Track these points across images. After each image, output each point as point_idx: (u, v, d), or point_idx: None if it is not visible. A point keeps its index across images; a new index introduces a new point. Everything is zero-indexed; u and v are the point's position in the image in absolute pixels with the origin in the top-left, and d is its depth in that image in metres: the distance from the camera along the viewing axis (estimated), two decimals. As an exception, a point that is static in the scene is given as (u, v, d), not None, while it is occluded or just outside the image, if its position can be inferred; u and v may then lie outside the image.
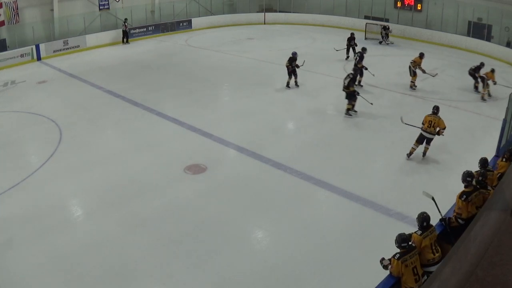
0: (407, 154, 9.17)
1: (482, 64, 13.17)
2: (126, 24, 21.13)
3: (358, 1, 23.65)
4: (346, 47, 17.27)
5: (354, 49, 17.04)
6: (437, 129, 8.88)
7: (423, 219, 4.97)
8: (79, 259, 6.34)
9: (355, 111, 11.56)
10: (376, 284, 4.57)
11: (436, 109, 9.09)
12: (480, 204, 5.59)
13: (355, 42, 17.09)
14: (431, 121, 8.87)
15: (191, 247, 6.57)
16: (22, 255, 6.41)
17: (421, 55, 13.50)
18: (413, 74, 13.54)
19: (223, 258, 6.31)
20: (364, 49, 14.06)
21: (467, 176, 5.66)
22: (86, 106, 12.73)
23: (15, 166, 9.15)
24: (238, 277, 5.99)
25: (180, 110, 12.14)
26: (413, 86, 13.60)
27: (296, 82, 13.71)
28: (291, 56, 13.34)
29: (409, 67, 13.60)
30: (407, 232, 4.88)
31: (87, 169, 8.95)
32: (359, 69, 13.24)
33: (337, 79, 14.89)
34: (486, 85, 12.73)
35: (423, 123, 9.02)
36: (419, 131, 9.10)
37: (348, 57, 17.25)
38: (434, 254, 4.89)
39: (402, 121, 9.58)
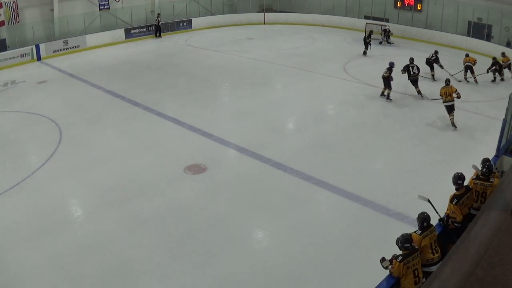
0: (452, 125, 10.82)
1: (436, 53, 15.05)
2: (159, 19, 22.35)
3: (358, 1, 23.65)
4: (364, 44, 18.31)
5: (368, 46, 18.19)
6: (454, 95, 10.72)
7: (423, 219, 4.95)
8: (79, 259, 6.34)
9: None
10: (376, 284, 4.56)
11: (448, 81, 11.17)
12: (472, 204, 5.61)
13: (370, 40, 18.34)
14: (446, 92, 10.82)
15: (191, 247, 6.57)
16: (22, 255, 6.41)
17: (504, 54, 14.53)
18: (503, 68, 14.32)
19: (223, 258, 6.30)
20: (436, 52, 15.26)
21: (458, 179, 5.65)
22: (86, 106, 12.73)
23: (15, 166, 9.15)
24: (238, 277, 5.99)
25: (180, 110, 12.13)
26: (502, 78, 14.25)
27: (389, 94, 12.87)
28: (389, 66, 12.83)
29: (499, 65, 14.19)
30: (407, 232, 4.86)
31: (87, 169, 8.95)
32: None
33: (337, 79, 14.93)
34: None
35: (441, 95, 10.94)
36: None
37: (365, 52, 18.21)
38: (434, 254, 4.88)
39: (428, 99, 12.49)
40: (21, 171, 8.88)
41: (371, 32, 18.89)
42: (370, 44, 18.32)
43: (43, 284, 5.91)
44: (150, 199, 7.88)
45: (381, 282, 4.59)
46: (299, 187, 8.19)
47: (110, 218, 7.34)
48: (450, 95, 10.73)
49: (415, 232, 4.94)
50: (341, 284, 5.87)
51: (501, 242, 2.15)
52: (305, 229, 6.95)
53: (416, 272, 4.58)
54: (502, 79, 14.31)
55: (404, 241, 4.66)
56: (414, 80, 13.07)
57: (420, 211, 5.11)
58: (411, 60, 13.23)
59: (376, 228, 6.95)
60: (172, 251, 6.50)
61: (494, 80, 14.23)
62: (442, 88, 10.94)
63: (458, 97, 10.69)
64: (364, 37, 18.46)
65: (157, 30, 22.45)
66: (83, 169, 8.95)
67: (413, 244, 4.71)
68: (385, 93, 12.84)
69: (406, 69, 12.96)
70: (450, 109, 10.81)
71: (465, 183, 5.71)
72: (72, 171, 8.86)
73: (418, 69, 13.05)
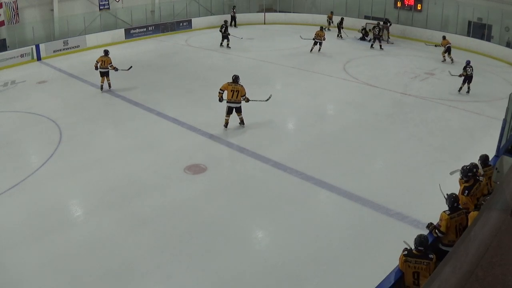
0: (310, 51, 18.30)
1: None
2: (234, 10, 24.73)
3: (358, 1, 23.66)
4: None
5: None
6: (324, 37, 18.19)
7: (454, 199, 5.19)
8: (79, 259, 6.33)
9: None
10: (376, 284, 4.56)
11: (321, 29, 18.30)
12: (480, 195, 5.75)
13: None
14: (319, 34, 18.06)
15: (191, 247, 6.57)
16: (22, 255, 6.42)
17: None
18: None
19: (223, 258, 6.31)
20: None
21: (468, 172, 5.81)
22: (86, 106, 12.72)
23: (15, 166, 9.15)
24: (238, 277, 5.99)
25: (180, 110, 12.13)
26: None
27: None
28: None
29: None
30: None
31: (87, 169, 8.94)
32: None
33: (337, 79, 14.93)
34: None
35: (315, 35, 18.01)
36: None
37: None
38: (456, 236, 5.01)
39: (301, 37, 19.18)
40: (21, 171, 8.88)
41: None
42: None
43: (43, 284, 5.91)
44: (150, 199, 7.88)
45: (381, 282, 4.59)
46: (299, 187, 8.19)
47: (110, 218, 7.34)
48: (321, 36, 18.01)
49: (444, 212, 5.14)
50: (341, 284, 5.87)
51: (501, 242, 2.15)
52: (305, 229, 6.95)
53: (415, 275, 4.50)
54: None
55: (419, 243, 4.57)
56: (226, 36, 19.48)
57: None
58: (226, 22, 19.80)
59: (376, 228, 6.95)
60: (172, 251, 6.50)
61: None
62: (318, 31, 18.13)
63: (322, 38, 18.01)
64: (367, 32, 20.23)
65: (232, 20, 24.36)
66: (83, 169, 8.95)
67: (429, 253, 4.59)
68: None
69: (225, 26, 19.42)
70: (320, 45, 18.08)
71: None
72: (72, 171, 8.86)
73: (227, 27, 19.61)
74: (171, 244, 6.65)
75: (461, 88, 13.23)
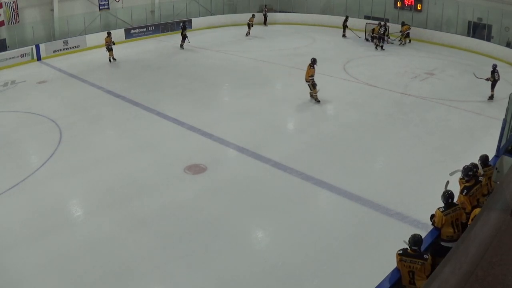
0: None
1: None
2: (266, 9, 25.41)
3: (358, 1, 23.66)
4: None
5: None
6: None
7: (448, 196, 5.23)
8: (79, 259, 6.34)
9: None
10: (376, 284, 4.56)
11: (378, 25, 19.66)
12: (480, 196, 5.73)
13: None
14: (375, 29, 19.28)
15: (191, 247, 6.57)
16: (22, 255, 6.42)
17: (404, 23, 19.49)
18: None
19: (223, 258, 6.30)
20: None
21: (469, 171, 5.80)
22: (86, 106, 12.72)
23: (15, 166, 9.15)
24: (238, 277, 5.99)
25: (180, 110, 12.13)
26: None
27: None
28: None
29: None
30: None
31: (87, 169, 8.94)
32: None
33: (337, 79, 14.92)
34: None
35: (374, 31, 19.67)
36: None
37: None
38: (454, 232, 5.05)
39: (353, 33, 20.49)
40: (21, 171, 8.88)
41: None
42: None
43: (43, 284, 5.91)
44: (150, 199, 7.88)
45: (381, 282, 4.59)
46: (299, 187, 8.19)
47: (110, 218, 7.34)
48: (376, 32, 19.48)
49: (438, 208, 5.19)
50: (341, 284, 5.87)
51: (501, 242, 2.15)
52: (305, 229, 6.95)
53: (410, 274, 4.52)
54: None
55: (414, 242, 4.59)
56: (184, 36, 19.73)
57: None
58: (184, 22, 20.57)
59: (376, 228, 6.95)
60: (172, 251, 6.50)
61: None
62: (375, 27, 19.72)
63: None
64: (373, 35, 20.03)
65: (265, 19, 25.16)
66: (83, 169, 8.95)
67: (424, 253, 4.60)
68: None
69: (183, 27, 19.85)
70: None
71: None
72: (72, 171, 8.86)
73: (185, 28, 19.87)
74: (171, 244, 6.65)
75: (492, 95, 12.59)
